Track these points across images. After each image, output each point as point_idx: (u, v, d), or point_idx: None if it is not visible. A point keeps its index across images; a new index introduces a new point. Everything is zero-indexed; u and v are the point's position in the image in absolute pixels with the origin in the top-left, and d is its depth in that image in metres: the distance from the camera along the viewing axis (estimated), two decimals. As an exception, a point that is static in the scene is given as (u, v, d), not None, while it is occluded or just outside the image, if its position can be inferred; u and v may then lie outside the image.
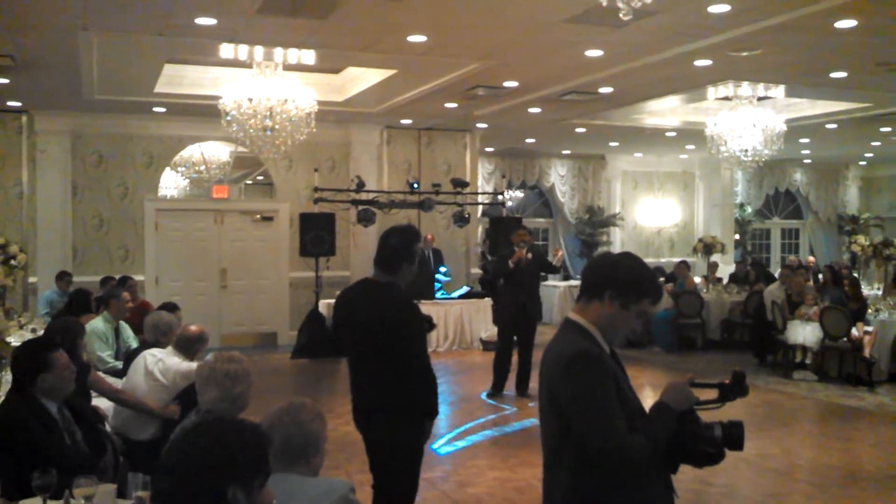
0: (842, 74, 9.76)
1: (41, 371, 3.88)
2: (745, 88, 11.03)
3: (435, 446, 7.28)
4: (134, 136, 12.91)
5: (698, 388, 2.60)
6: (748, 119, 11.21)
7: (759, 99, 11.50)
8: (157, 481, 2.04)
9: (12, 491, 3.31)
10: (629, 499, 2.56)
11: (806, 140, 15.48)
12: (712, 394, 2.64)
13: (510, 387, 9.51)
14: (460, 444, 7.55)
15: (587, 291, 2.72)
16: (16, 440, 3.72)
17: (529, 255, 9.32)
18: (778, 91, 11.40)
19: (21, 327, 8.57)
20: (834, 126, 13.81)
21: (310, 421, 2.98)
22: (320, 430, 3.00)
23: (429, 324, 4.37)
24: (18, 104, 11.79)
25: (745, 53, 8.63)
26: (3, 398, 4.35)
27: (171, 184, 16.34)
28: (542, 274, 10.31)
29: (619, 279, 2.66)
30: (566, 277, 17.53)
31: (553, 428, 2.66)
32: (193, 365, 4.98)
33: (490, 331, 12.93)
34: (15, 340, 6.48)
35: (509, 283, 9.46)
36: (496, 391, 9.44)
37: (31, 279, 12.17)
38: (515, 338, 9.48)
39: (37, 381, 3.87)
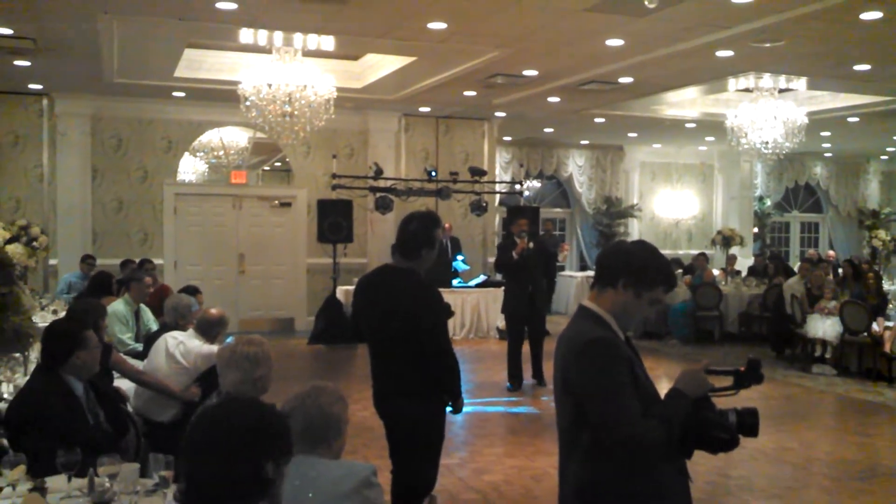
0: (865, 67, 9.66)
1: (77, 348, 3.91)
2: (767, 80, 10.93)
3: (451, 434, 7.29)
4: (153, 121, 12.97)
5: (713, 375, 2.62)
6: (769, 111, 11.12)
7: (781, 91, 11.40)
8: (181, 462, 2.04)
9: (38, 469, 3.34)
10: (643, 484, 2.57)
11: (827, 133, 15.34)
12: (727, 381, 2.64)
13: (528, 377, 9.47)
14: (477, 431, 7.57)
15: (601, 279, 2.75)
16: (41, 419, 3.75)
17: (531, 245, 9.23)
18: (800, 83, 11.30)
19: (42, 308, 8.65)
20: (856, 119, 13.69)
21: (331, 404, 2.98)
22: (342, 412, 3.01)
23: (447, 311, 4.37)
24: (39, 87, 11.87)
25: (767, 44, 8.55)
26: (28, 378, 4.39)
27: (190, 169, 16.38)
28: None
29: (632, 267, 2.68)
30: (583, 268, 17.50)
31: (568, 414, 2.68)
32: (214, 348, 5.01)
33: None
34: (37, 321, 6.53)
35: (514, 274, 9.38)
36: (514, 384, 9.35)
37: (52, 261, 12.26)
38: (527, 328, 9.44)
39: (70, 358, 3.90)
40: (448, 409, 4.19)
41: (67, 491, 3.23)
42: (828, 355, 10.57)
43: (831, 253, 18.40)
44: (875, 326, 10.09)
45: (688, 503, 2.70)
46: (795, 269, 14.04)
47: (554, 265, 9.81)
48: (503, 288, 13.28)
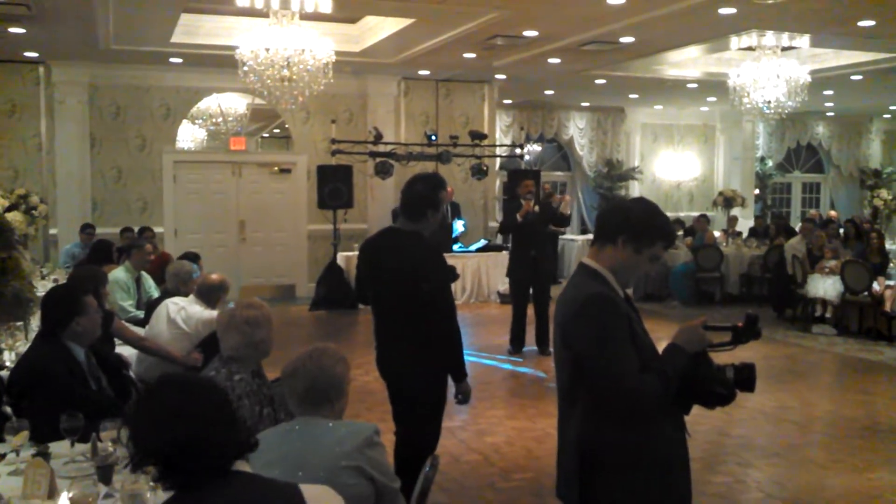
0: (870, 23, 9.53)
1: (77, 314, 3.90)
2: (770, 38, 10.80)
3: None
4: (151, 88, 12.87)
5: (711, 330, 2.62)
6: (772, 70, 11.01)
7: (784, 49, 11.28)
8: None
9: (41, 434, 3.36)
10: (642, 438, 2.59)
11: (829, 92, 15.21)
12: (725, 337, 2.65)
13: (531, 343, 9.40)
14: (478, 394, 7.59)
15: (601, 236, 2.74)
16: (43, 384, 3.76)
17: (536, 208, 9.09)
18: (802, 41, 11.17)
19: (43, 277, 8.65)
20: (859, 77, 13.55)
21: (333, 365, 2.99)
22: (344, 373, 3.01)
23: (452, 274, 4.37)
24: (35, 55, 11.76)
25: (770, 1, 8.44)
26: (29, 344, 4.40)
27: (189, 136, 16.32)
28: (556, 229, 9.92)
29: (632, 223, 2.67)
30: (584, 231, 17.47)
31: (567, 370, 2.69)
32: (215, 313, 5.01)
33: (507, 284, 12.92)
34: (38, 290, 6.54)
35: (519, 237, 9.28)
36: (515, 347, 9.36)
37: (52, 230, 12.25)
38: (532, 293, 9.39)
39: (70, 324, 3.89)
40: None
41: (71, 456, 3.24)
42: (828, 315, 10.60)
43: (833, 213, 18.36)
44: (875, 286, 10.09)
45: (686, 458, 2.72)
46: (797, 229, 14.03)
47: (562, 222, 9.55)
48: (506, 252, 13.38)
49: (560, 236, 13.77)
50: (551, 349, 9.10)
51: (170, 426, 1.86)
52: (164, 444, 1.85)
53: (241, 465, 1.98)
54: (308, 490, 2.04)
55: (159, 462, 1.88)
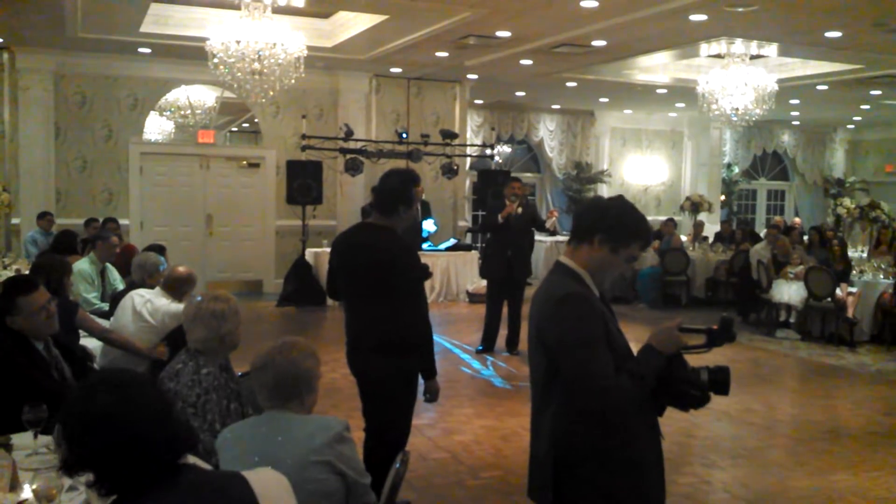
0: (837, 34, 9.69)
1: (7, 313, 3.77)
2: (739, 46, 10.93)
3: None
4: (119, 78, 12.67)
5: (686, 332, 2.61)
6: (740, 77, 11.12)
7: (752, 57, 11.41)
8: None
9: (2, 425, 3.28)
10: (616, 439, 2.58)
11: (796, 101, 15.44)
12: (700, 339, 2.64)
13: (501, 343, 9.38)
14: (447, 392, 7.57)
15: (577, 234, 2.73)
16: (2, 374, 3.67)
17: (520, 210, 9.09)
18: (771, 49, 11.33)
19: (5, 268, 8.48)
20: (825, 87, 13.77)
21: (303, 359, 2.96)
22: (313, 367, 2.99)
23: (425, 272, 4.34)
24: (0, 41, 11.52)
25: (741, 9, 8.54)
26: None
27: (156, 128, 16.10)
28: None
29: (609, 222, 2.66)
30: (553, 233, 17.49)
31: (541, 368, 2.68)
32: (182, 306, 4.92)
33: (476, 283, 12.95)
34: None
35: (497, 237, 9.26)
36: (486, 346, 9.33)
37: (14, 220, 12.02)
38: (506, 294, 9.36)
39: (6, 321, 3.79)
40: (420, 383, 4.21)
41: (34, 447, 3.17)
42: (792, 320, 10.74)
43: (797, 220, 18.64)
44: (838, 292, 10.25)
45: (660, 459, 2.72)
46: (762, 235, 14.21)
47: (540, 228, 9.48)
48: (475, 252, 13.38)
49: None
50: (520, 350, 9.13)
51: (103, 429, 1.79)
52: (99, 448, 1.79)
53: (187, 459, 1.93)
54: (253, 476, 2.01)
55: (94, 467, 1.81)
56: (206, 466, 2.45)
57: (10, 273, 8.03)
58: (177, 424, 1.92)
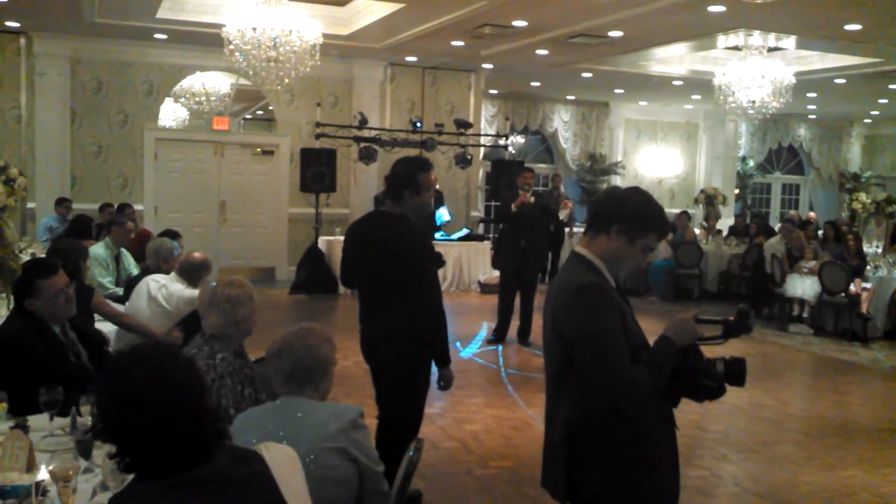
0: (856, 27, 9.60)
1: (27, 296, 3.81)
2: (756, 38, 10.84)
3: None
4: (134, 63, 12.70)
5: (703, 323, 2.61)
6: (757, 70, 11.06)
7: (770, 50, 11.33)
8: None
9: (20, 407, 3.31)
10: (631, 429, 2.58)
11: (813, 94, 15.32)
12: (716, 330, 2.64)
13: (513, 334, 9.36)
14: (458, 382, 7.59)
15: (594, 225, 2.71)
16: (20, 357, 3.70)
17: (532, 200, 9.07)
18: (789, 42, 11.23)
19: (20, 252, 8.51)
20: (842, 81, 13.65)
21: (319, 345, 2.97)
22: (329, 354, 2.99)
23: (439, 261, 4.35)
24: (17, 25, 11.56)
25: (760, 1, 8.47)
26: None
27: (171, 114, 16.15)
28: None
29: (626, 213, 2.65)
30: (566, 224, 17.46)
31: (557, 358, 2.67)
32: (196, 291, 4.96)
33: (488, 274, 12.95)
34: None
35: (510, 227, 9.25)
36: (498, 336, 9.32)
37: (30, 205, 12.08)
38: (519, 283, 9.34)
39: (24, 304, 3.82)
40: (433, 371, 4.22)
41: (50, 429, 3.20)
42: (805, 314, 10.69)
43: (812, 214, 18.53)
44: (852, 287, 10.20)
45: (674, 450, 2.72)
46: (776, 229, 14.14)
47: (560, 224, 9.38)
48: (487, 242, 13.36)
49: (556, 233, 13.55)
50: (531, 341, 9.14)
51: (137, 408, 1.76)
52: (131, 425, 1.76)
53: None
54: (266, 455, 2.01)
55: (122, 442, 1.79)
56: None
57: (26, 256, 8.09)
58: (211, 414, 1.87)
